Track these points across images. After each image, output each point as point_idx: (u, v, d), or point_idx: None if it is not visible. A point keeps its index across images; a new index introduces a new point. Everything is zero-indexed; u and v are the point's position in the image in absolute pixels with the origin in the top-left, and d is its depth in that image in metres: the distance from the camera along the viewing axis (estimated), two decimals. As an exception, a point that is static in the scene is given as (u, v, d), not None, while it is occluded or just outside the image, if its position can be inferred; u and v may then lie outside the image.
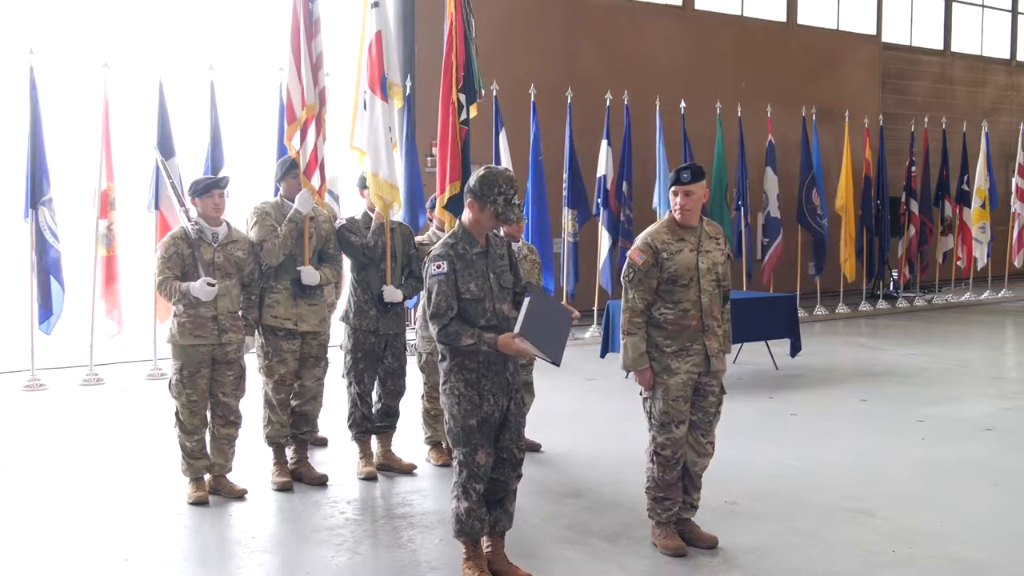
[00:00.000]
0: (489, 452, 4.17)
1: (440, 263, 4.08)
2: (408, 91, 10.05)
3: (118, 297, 9.18)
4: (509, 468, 4.25)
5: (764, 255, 13.78)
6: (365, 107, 6.18)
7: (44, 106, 8.82)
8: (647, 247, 4.61)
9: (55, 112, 9.24)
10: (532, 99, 11.44)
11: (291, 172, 5.88)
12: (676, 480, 4.66)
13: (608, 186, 11.85)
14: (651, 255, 4.59)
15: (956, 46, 20.67)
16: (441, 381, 4.22)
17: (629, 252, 4.74)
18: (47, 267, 8.81)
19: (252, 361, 5.73)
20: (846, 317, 14.61)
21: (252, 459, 6.02)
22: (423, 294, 5.86)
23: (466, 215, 4.21)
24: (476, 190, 4.14)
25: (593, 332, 11.60)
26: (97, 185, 9.13)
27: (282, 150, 7.43)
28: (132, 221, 9.45)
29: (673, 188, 4.61)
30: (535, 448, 6.43)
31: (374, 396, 6.10)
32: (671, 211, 4.69)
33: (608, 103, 11.91)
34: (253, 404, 5.92)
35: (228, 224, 5.56)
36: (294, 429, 5.88)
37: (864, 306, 15.22)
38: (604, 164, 11.88)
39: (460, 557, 4.30)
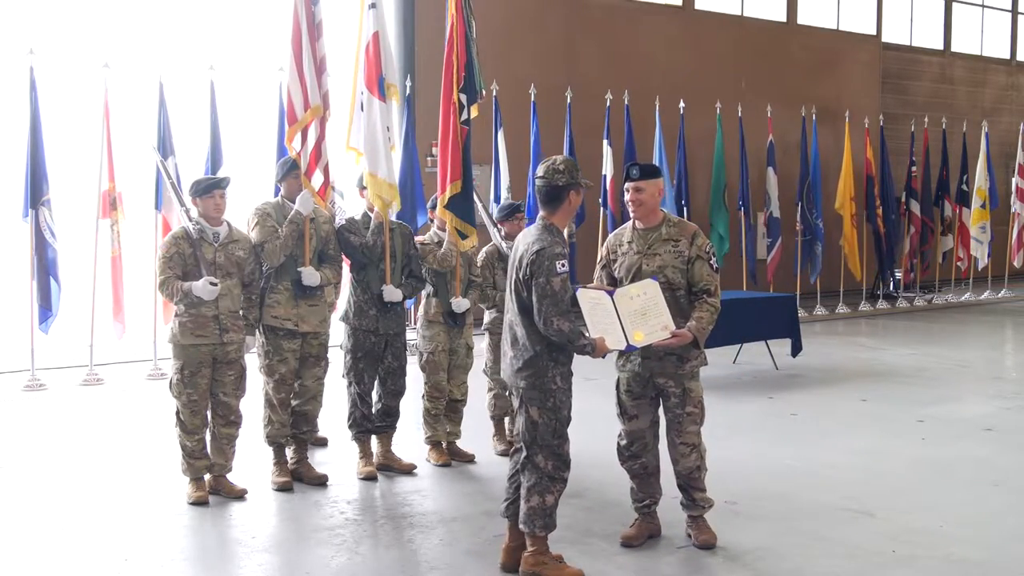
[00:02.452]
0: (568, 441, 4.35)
1: (563, 262, 4.20)
2: (408, 91, 10.06)
3: (122, 299, 9.19)
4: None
5: (767, 255, 13.78)
6: (363, 108, 6.18)
7: (44, 106, 8.82)
8: (605, 248, 4.85)
9: (55, 112, 9.24)
10: (532, 99, 11.45)
11: (292, 173, 5.87)
12: (639, 474, 4.76)
13: (608, 186, 11.85)
14: (605, 254, 4.82)
15: (956, 46, 20.67)
16: (528, 376, 4.24)
17: None
18: (46, 267, 8.82)
19: (253, 361, 5.73)
20: (846, 317, 14.61)
21: (252, 459, 6.02)
22: (438, 292, 5.88)
23: (561, 213, 4.31)
24: (573, 179, 4.28)
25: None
26: (98, 185, 9.13)
27: (282, 151, 7.44)
28: (134, 221, 9.45)
29: (625, 184, 4.68)
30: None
31: (374, 396, 6.10)
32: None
33: (608, 103, 11.91)
34: (253, 404, 5.92)
35: (229, 224, 5.56)
36: (294, 429, 5.88)
37: (864, 306, 15.22)
38: (605, 164, 11.89)
39: (525, 553, 4.30)
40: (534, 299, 4.16)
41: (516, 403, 4.39)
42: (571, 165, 4.32)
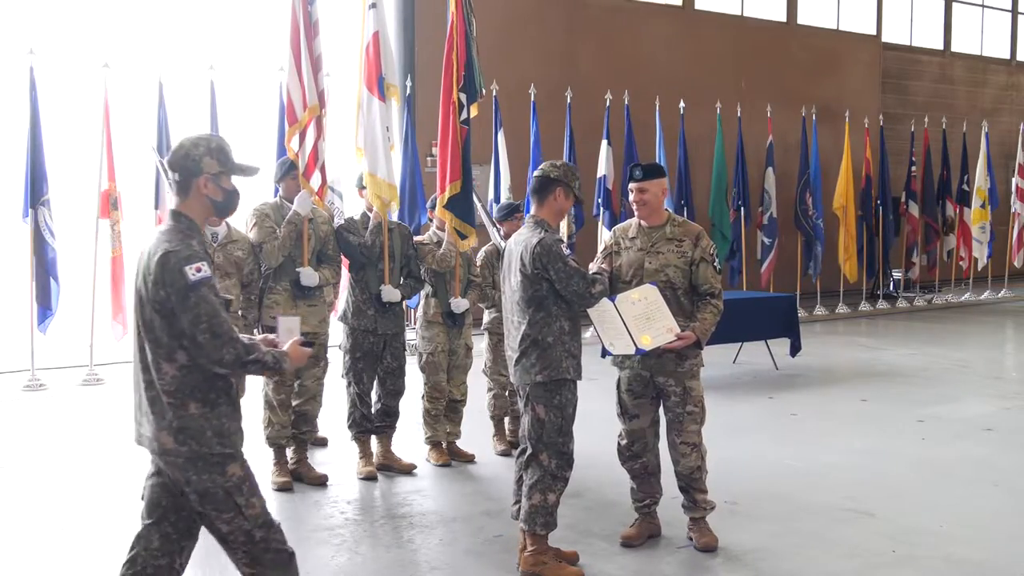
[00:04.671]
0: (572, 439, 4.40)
1: (565, 245, 4.39)
2: (408, 91, 10.05)
3: (124, 299, 9.18)
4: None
5: (765, 256, 13.77)
6: (364, 107, 6.18)
7: (44, 106, 8.82)
8: (611, 238, 4.86)
9: (55, 112, 9.24)
10: (532, 99, 11.44)
11: (290, 173, 5.87)
12: (640, 474, 4.77)
13: (608, 186, 11.85)
14: (612, 243, 4.81)
15: (956, 46, 20.67)
16: (541, 370, 4.27)
17: None
18: (46, 266, 8.81)
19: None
20: (846, 317, 14.61)
21: (252, 459, 5.99)
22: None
23: (547, 208, 4.41)
24: (565, 178, 4.41)
25: (593, 332, 11.57)
26: (98, 185, 9.13)
27: (282, 151, 7.45)
28: (134, 222, 9.44)
29: (631, 186, 4.70)
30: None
31: (373, 396, 6.10)
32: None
33: (608, 103, 11.91)
34: (253, 404, 5.91)
35: (228, 224, 5.55)
36: (294, 429, 5.88)
37: (864, 306, 15.22)
38: (604, 164, 11.89)
39: (525, 553, 4.32)
40: (560, 286, 4.26)
41: (522, 403, 4.40)
42: (569, 169, 4.45)
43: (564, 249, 4.32)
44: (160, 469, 3.27)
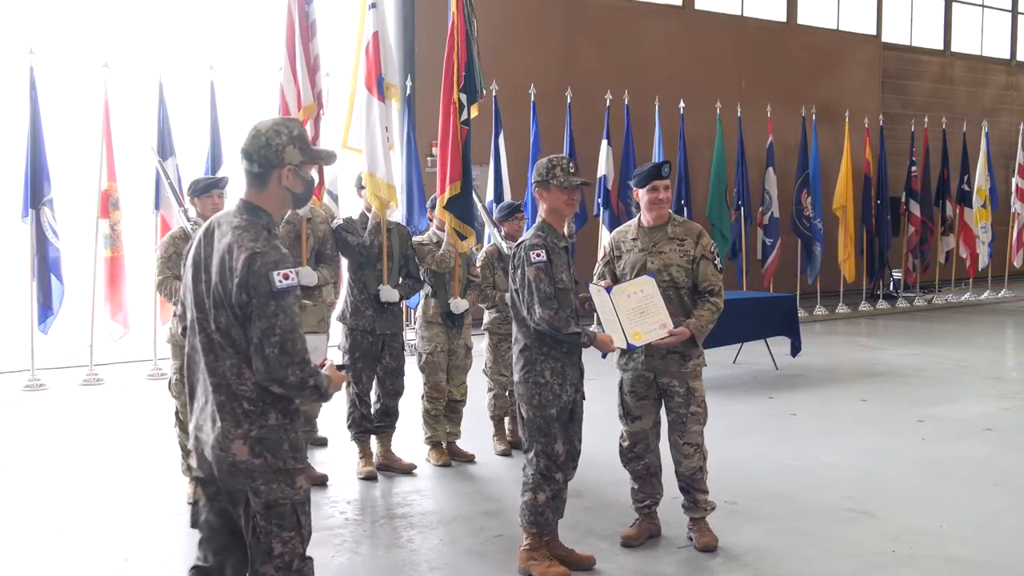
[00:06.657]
0: (565, 441, 4.32)
1: (539, 252, 4.20)
2: (408, 91, 10.05)
3: (123, 299, 9.17)
4: (571, 460, 4.41)
5: (767, 256, 13.77)
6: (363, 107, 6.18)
7: (44, 106, 8.82)
8: (609, 244, 4.83)
9: (55, 112, 9.24)
10: (532, 99, 11.44)
11: (289, 172, 5.85)
12: (642, 475, 4.77)
13: (608, 186, 11.85)
14: (609, 251, 4.80)
15: (956, 46, 20.67)
16: (520, 370, 4.27)
17: None
18: (48, 266, 8.81)
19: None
20: (846, 317, 14.61)
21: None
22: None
23: (542, 210, 4.36)
24: (539, 177, 4.32)
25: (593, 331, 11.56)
26: (98, 185, 9.12)
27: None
28: (134, 222, 9.44)
29: (653, 183, 4.61)
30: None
31: (372, 396, 6.09)
32: (643, 210, 4.73)
33: (608, 103, 11.91)
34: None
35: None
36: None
37: (864, 306, 15.21)
38: (604, 164, 11.88)
39: (520, 548, 4.34)
40: (518, 291, 4.24)
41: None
42: (541, 165, 4.33)
43: (534, 255, 4.17)
44: (215, 488, 2.94)
